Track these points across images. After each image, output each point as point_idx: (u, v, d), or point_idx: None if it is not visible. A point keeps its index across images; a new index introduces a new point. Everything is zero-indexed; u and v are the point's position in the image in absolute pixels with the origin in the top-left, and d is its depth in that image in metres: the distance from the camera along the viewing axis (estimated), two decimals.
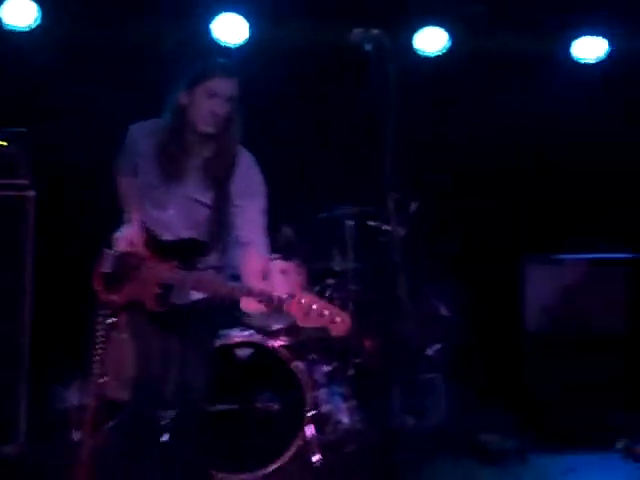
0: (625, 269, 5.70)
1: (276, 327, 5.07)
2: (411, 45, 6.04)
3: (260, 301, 3.40)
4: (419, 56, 6.06)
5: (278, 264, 5.03)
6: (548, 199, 6.35)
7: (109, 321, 4.80)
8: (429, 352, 5.75)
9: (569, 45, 6.13)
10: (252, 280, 3.48)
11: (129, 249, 3.58)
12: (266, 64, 5.69)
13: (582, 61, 6.13)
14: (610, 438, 5.16)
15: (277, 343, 4.95)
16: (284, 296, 3.33)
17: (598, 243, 5.81)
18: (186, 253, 3.61)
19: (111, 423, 4.84)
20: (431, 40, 6.00)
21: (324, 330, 3.32)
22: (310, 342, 5.28)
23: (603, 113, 6.07)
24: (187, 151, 3.58)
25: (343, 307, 3.36)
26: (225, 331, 4.82)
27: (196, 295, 3.63)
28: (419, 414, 5.42)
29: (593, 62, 6.11)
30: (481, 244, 6.32)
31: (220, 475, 4.52)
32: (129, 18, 5.60)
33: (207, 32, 5.73)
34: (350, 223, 5.35)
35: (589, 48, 6.11)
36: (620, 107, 6.06)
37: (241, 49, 5.76)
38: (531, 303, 5.72)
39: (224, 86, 3.50)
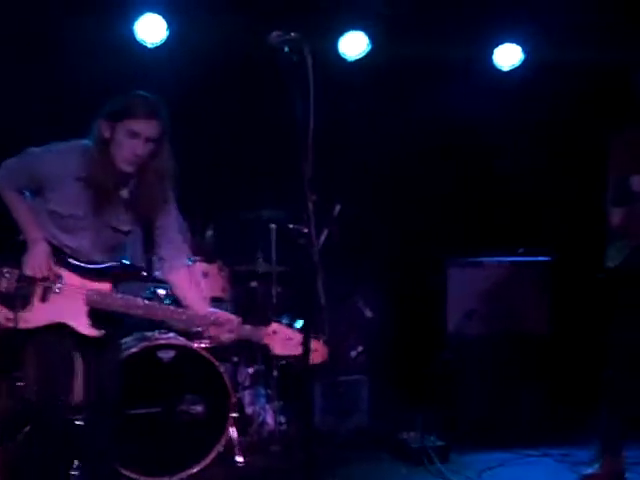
0: (544, 271, 5.85)
1: (198, 329, 5.06)
2: (336, 49, 6.12)
3: (227, 329, 3.50)
4: (343, 60, 6.13)
5: (199, 267, 5.04)
6: (468, 203, 6.47)
7: None
8: (353, 354, 5.81)
9: (490, 52, 6.29)
10: (199, 306, 3.59)
11: (42, 270, 3.47)
12: (186, 65, 5.68)
13: (501, 68, 6.30)
14: (531, 436, 5.26)
15: (200, 345, 4.95)
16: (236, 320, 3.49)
17: (517, 246, 5.94)
18: (119, 277, 3.60)
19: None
20: (353, 44, 6.09)
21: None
22: (233, 345, 5.29)
23: (520, 119, 6.22)
24: (113, 185, 3.51)
25: (317, 336, 3.41)
26: (148, 333, 4.80)
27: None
28: (342, 414, 5.48)
29: (508, 69, 6.28)
30: (404, 248, 6.40)
31: (142, 478, 4.48)
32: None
33: (130, 32, 5.71)
34: (272, 226, 5.38)
35: (507, 56, 6.27)
36: (536, 113, 6.21)
37: (161, 49, 5.75)
38: (453, 305, 5.81)
39: (146, 128, 3.42)
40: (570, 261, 5.92)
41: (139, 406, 4.57)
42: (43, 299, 3.48)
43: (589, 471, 4.57)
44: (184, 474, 4.57)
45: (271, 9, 5.48)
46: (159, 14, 5.69)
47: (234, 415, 4.79)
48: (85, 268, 3.55)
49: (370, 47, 6.10)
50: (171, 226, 3.70)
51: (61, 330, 3.49)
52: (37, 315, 3.47)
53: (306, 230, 3.03)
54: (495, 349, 5.68)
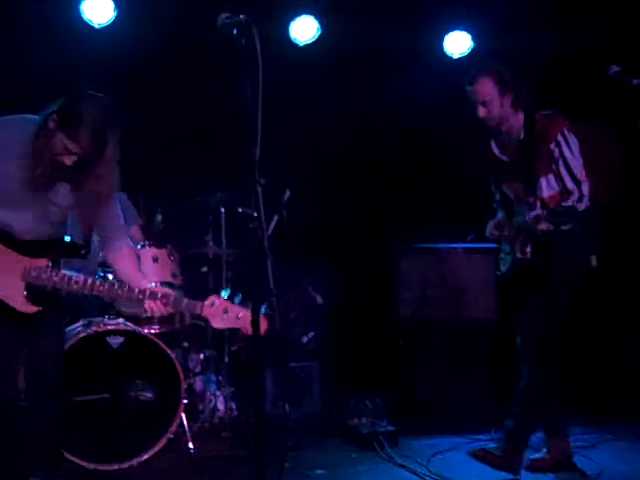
0: (494, 258, 5.89)
1: (148, 315, 5.03)
2: (287, 33, 6.11)
3: (163, 302, 3.47)
4: (294, 44, 6.12)
5: (149, 251, 5.00)
6: (419, 188, 6.49)
7: None
8: (304, 340, 5.81)
9: (440, 39, 6.32)
10: (136, 280, 3.57)
11: None
12: (134, 46, 5.61)
13: (451, 55, 6.33)
14: (479, 421, 5.31)
15: (150, 331, 4.91)
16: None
17: (468, 233, 5.98)
18: (58, 253, 3.55)
19: None
20: (304, 29, 6.09)
21: (239, 331, 3.45)
22: (183, 330, 5.26)
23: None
24: (54, 166, 3.41)
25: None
26: (96, 319, 4.75)
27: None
28: (293, 401, 5.48)
29: (458, 57, 6.32)
30: (355, 233, 6.41)
31: (92, 466, 4.44)
32: None
33: (77, 13, 5.63)
34: (222, 209, 5.35)
35: (456, 43, 6.31)
36: None
37: (108, 29, 5.68)
38: (404, 291, 5.84)
39: (82, 149, 3.33)
40: None
41: (88, 392, 4.53)
42: None
43: (537, 456, 4.62)
44: (135, 461, 4.53)
45: None
46: None
47: (185, 401, 4.76)
48: (21, 243, 3.49)
49: (320, 32, 6.10)
50: (114, 208, 3.66)
51: None
52: None
53: (255, 214, 3.01)
54: (445, 334, 5.72)
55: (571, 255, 4.30)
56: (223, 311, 3.41)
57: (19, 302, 3.46)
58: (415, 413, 5.51)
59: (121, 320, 4.81)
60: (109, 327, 4.66)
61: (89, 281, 3.51)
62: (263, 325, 3.25)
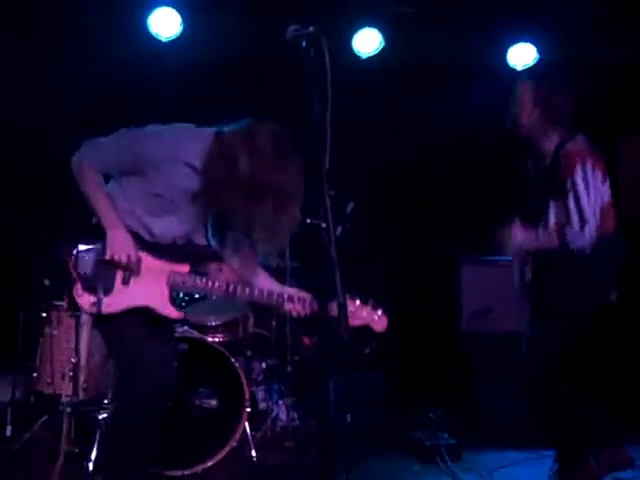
0: None
1: (212, 323, 5.07)
2: (350, 46, 6.13)
3: (301, 304, 3.51)
4: (357, 57, 6.14)
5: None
6: (483, 201, 6.45)
7: (43, 315, 4.81)
8: (366, 350, 5.81)
9: (504, 51, 6.28)
10: (270, 284, 3.61)
11: (126, 254, 3.43)
12: (201, 59, 5.70)
13: (515, 67, 6.29)
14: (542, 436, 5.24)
15: (215, 339, 4.95)
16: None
17: None
18: (197, 258, 3.62)
19: (44, 418, 4.77)
20: (367, 41, 6.12)
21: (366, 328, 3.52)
22: (247, 339, 5.30)
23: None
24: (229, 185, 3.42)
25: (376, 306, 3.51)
26: None
27: None
28: (356, 411, 5.48)
29: (522, 69, 6.27)
30: (418, 245, 6.39)
31: (156, 471, 4.48)
32: None
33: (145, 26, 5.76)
34: None
35: (521, 55, 6.26)
36: None
37: (175, 42, 5.78)
38: (467, 304, 5.82)
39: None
40: None
41: None
42: (124, 282, 3.45)
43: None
44: (199, 468, 4.58)
45: (286, 5, 5.49)
46: (173, 8, 5.71)
47: (248, 410, 4.79)
48: (164, 250, 3.53)
49: (383, 44, 6.12)
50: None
51: (142, 314, 3.47)
52: (119, 299, 3.44)
53: (324, 225, 3.02)
54: (509, 348, 5.66)
55: (577, 286, 4.13)
56: (359, 310, 3.49)
57: (165, 308, 3.51)
58: (478, 426, 5.49)
59: (186, 327, 4.87)
60: (175, 334, 4.70)
61: (231, 286, 3.53)
62: (383, 323, 3.44)
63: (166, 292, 3.51)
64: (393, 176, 6.30)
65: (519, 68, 6.33)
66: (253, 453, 4.83)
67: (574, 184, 4.05)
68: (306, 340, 5.55)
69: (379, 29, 6.09)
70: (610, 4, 5.74)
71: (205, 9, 5.75)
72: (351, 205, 5.28)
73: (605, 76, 5.93)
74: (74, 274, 3.42)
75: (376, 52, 6.16)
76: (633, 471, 4.51)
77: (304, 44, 3.06)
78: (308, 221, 4.97)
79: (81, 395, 4.68)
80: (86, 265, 3.43)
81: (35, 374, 4.84)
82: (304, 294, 3.55)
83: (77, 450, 4.50)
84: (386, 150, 6.24)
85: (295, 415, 5.29)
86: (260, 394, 5.36)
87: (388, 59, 6.18)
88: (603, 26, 5.90)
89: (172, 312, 3.52)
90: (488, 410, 5.57)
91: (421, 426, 5.16)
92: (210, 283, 3.52)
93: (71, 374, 4.67)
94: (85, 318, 4.80)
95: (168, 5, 5.70)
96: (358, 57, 6.19)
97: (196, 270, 3.56)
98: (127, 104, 5.39)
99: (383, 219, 6.26)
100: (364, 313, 3.51)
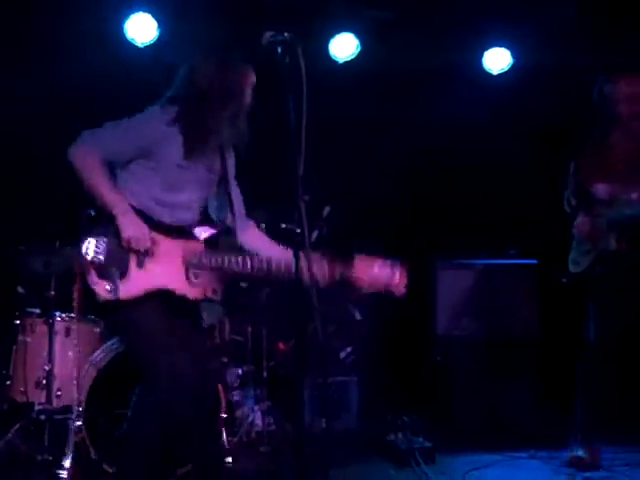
0: (533, 273, 5.87)
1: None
2: (327, 51, 6.15)
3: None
4: (334, 62, 6.16)
5: None
6: (458, 204, 6.48)
7: (16, 323, 4.77)
8: (342, 355, 5.82)
9: (480, 56, 6.33)
10: (283, 252, 3.45)
11: (141, 238, 3.40)
12: (176, 65, 5.66)
13: (491, 72, 6.34)
14: (518, 438, 5.27)
15: None
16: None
17: (508, 248, 5.96)
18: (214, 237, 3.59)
19: (18, 426, 4.71)
20: (343, 46, 6.15)
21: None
22: (222, 345, 5.29)
23: (510, 122, 6.25)
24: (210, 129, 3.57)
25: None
26: None
27: None
28: (331, 416, 5.49)
29: (497, 73, 6.33)
30: (393, 249, 6.38)
31: None
32: None
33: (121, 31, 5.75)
34: (262, 225, 5.37)
35: (496, 60, 6.31)
36: (526, 116, 6.24)
37: (150, 48, 5.79)
38: (442, 307, 5.83)
39: None
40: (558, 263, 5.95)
41: (127, 406, 4.55)
42: (139, 266, 3.41)
43: (579, 453, 4.69)
44: (174, 474, 4.55)
45: (262, 11, 5.49)
46: (150, 13, 5.71)
47: (224, 415, 4.77)
48: (176, 230, 3.52)
49: (360, 49, 6.14)
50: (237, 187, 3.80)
51: (161, 297, 3.42)
52: (136, 283, 3.39)
53: (299, 230, 3.03)
54: (483, 351, 5.70)
55: None
56: (375, 267, 3.41)
57: (184, 288, 3.47)
58: (452, 429, 5.49)
59: None
60: None
61: (248, 260, 3.48)
62: (402, 279, 3.41)
63: (182, 272, 3.46)
64: (369, 180, 6.30)
65: (494, 72, 6.38)
66: (229, 459, 4.82)
67: None
68: (281, 345, 5.54)
69: (355, 34, 6.12)
70: (584, 10, 5.80)
71: (181, 15, 5.75)
72: (327, 209, 5.29)
73: (579, 81, 5.97)
74: (87, 263, 3.36)
75: (353, 57, 6.19)
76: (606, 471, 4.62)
77: (280, 50, 3.09)
78: (283, 226, 4.99)
79: (55, 403, 4.66)
80: (98, 253, 3.37)
81: (8, 382, 4.79)
82: (316, 257, 3.38)
83: (51, 458, 4.47)
84: (363, 154, 6.25)
85: (271, 420, 5.28)
86: (236, 399, 5.33)
87: (365, 64, 6.21)
88: (577, 31, 5.95)
89: (190, 291, 3.47)
90: (462, 413, 5.59)
91: (395, 430, 5.17)
92: (227, 260, 3.46)
93: (45, 382, 4.65)
94: (59, 326, 4.78)
95: (144, 11, 5.70)
96: (335, 62, 6.22)
97: (210, 249, 3.52)
98: (102, 109, 5.34)
99: (359, 223, 6.26)
100: (383, 275, 3.41)
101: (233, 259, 3.47)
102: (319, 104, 2.99)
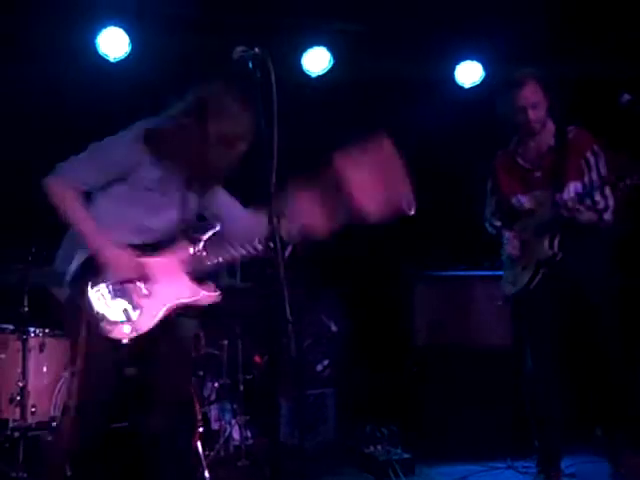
0: None
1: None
2: (300, 65, 6.18)
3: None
4: (307, 76, 6.19)
5: None
6: (434, 217, 6.50)
7: None
8: (318, 368, 5.83)
9: (452, 69, 6.38)
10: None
11: (132, 268, 3.42)
12: (149, 80, 5.69)
13: (463, 85, 6.39)
14: (497, 448, 5.30)
15: None
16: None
17: (482, 260, 5.98)
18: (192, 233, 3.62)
19: None
20: (316, 60, 6.18)
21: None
22: (199, 359, 5.28)
23: (482, 135, 6.28)
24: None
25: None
26: None
27: None
28: (308, 428, 5.48)
29: (468, 87, 6.38)
30: (370, 261, 6.41)
31: None
32: None
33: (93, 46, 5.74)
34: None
35: (468, 73, 6.37)
36: (498, 129, 6.27)
37: (123, 62, 5.77)
38: (419, 319, 5.85)
39: None
40: None
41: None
42: (146, 295, 3.43)
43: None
44: None
45: (233, 26, 5.52)
46: (122, 28, 5.72)
47: (200, 430, 4.76)
48: (161, 246, 3.53)
49: (333, 63, 6.18)
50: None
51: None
52: (150, 312, 3.41)
53: (272, 245, 3.04)
54: (459, 362, 5.71)
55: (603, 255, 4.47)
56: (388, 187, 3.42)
57: (196, 295, 3.53)
58: (430, 440, 5.49)
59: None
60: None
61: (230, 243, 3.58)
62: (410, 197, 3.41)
63: (187, 280, 3.50)
64: None
65: (466, 86, 6.43)
66: (206, 474, 4.80)
67: (597, 161, 4.39)
68: (257, 359, 5.54)
69: (328, 47, 6.15)
70: (553, 23, 5.86)
71: (154, 30, 5.76)
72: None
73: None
74: (95, 317, 3.34)
75: (326, 71, 6.22)
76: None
77: (250, 65, 3.10)
78: (256, 241, 4.99)
79: (29, 419, 4.63)
80: (103, 298, 3.38)
81: None
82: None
83: (26, 475, 4.43)
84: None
85: (248, 434, 5.27)
86: (213, 413, 5.33)
87: (338, 77, 6.24)
88: (547, 44, 6.02)
89: (207, 296, 3.54)
90: (441, 424, 5.60)
91: (374, 441, 5.17)
92: (216, 251, 3.54)
93: (19, 398, 4.62)
94: (33, 341, 4.76)
95: (117, 25, 5.70)
96: (308, 76, 6.24)
97: (199, 250, 3.54)
98: (74, 124, 5.36)
99: (334, 236, 6.27)
100: (393, 193, 3.44)
101: (223, 247, 3.56)
102: (294, 118, 3.01)
